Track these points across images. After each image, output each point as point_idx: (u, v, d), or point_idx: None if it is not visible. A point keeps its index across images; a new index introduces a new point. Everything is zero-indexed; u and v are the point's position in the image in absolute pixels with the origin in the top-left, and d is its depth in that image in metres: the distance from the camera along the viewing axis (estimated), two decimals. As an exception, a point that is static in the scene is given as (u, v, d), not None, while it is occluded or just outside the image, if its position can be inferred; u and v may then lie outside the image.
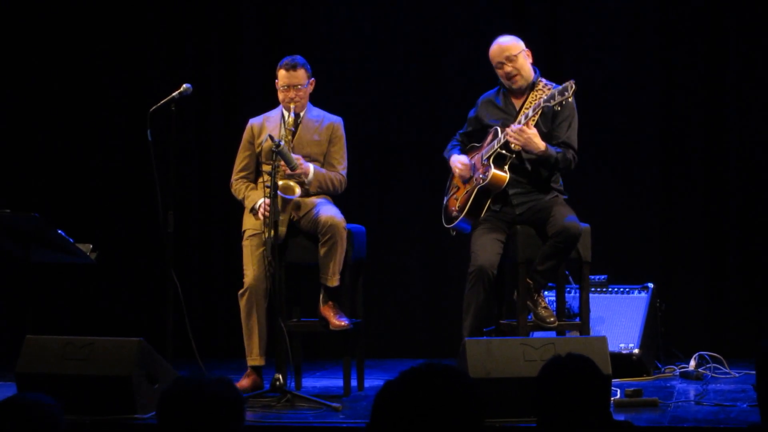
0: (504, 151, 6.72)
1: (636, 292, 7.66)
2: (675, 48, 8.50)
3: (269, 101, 7.17)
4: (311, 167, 6.85)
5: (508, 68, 6.76)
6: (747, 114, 8.39)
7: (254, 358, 6.80)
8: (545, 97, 6.61)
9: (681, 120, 8.50)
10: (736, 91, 8.39)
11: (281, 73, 6.93)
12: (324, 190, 6.92)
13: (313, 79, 6.98)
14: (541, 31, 8.58)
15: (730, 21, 8.40)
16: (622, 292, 7.67)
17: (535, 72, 6.83)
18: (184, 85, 6.76)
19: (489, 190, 6.75)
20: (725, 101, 8.42)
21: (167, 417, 2.99)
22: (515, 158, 6.73)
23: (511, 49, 6.77)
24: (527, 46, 6.86)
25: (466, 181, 6.88)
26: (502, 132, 6.71)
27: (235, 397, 3.01)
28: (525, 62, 6.78)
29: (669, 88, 8.53)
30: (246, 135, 7.05)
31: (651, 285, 7.66)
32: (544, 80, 6.78)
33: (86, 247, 6.86)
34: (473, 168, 6.84)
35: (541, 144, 6.59)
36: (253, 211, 6.85)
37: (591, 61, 8.56)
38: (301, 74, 6.91)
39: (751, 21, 8.37)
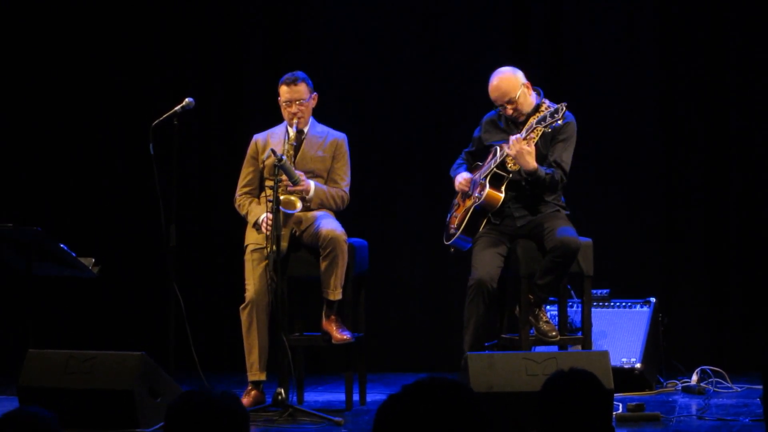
0: (500, 171, 6.73)
1: (638, 306, 7.65)
2: (675, 60, 8.51)
3: (271, 115, 7.18)
4: (312, 184, 6.85)
5: (509, 111, 6.76)
6: (750, 126, 8.40)
7: (254, 373, 6.79)
8: (538, 118, 6.63)
9: (682, 134, 8.51)
10: (738, 102, 8.40)
11: (282, 89, 6.94)
12: (326, 207, 6.93)
13: (315, 93, 6.99)
14: (542, 50, 8.59)
15: (730, 37, 8.41)
16: (624, 307, 7.66)
17: (539, 95, 6.83)
18: (187, 99, 6.76)
19: (484, 209, 6.77)
20: (727, 113, 8.43)
21: (173, 431, 2.99)
22: (515, 174, 6.73)
23: (510, 92, 6.72)
24: (529, 62, 6.86)
25: (466, 197, 6.89)
26: (500, 151, 6.72)
27: (240, 411, 3.02)
28: (525, 98, 6.76)
29: (670, 102, 8.54)
30: (250, 150, 7.06)
31: (653, 299, 7.65)
32: (547, 101, 6.77)
33: (88, 261, 6.87)
34: (473, 184, 6.85)
35: (532, 162, 6.59)
36: (256, 226, 6.86)
37: (592, 74, 8.57)
38: (302, 88, 6.92)
39: (751, 36, 8.38)
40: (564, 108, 6.53)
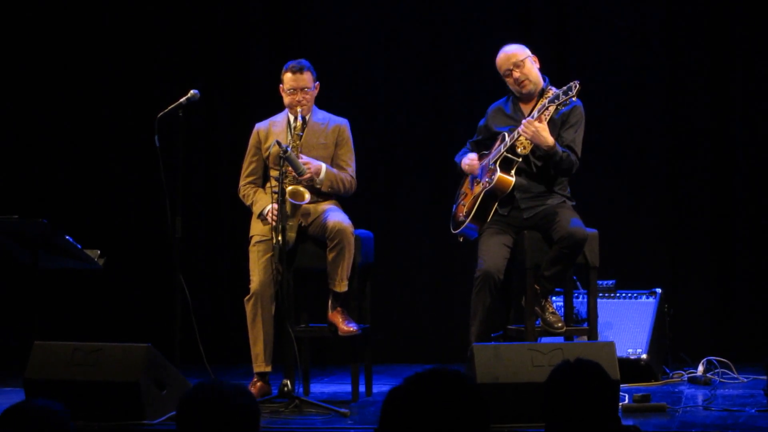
0: (510, 155, 6.74)
1: (644, 297, 7.65)
2: (681, 53, 8.50)
3: (277, 106, 7.17)
4: (323, 166, 6.85)
5: (517, 74, 6.78)
6: (754, 118, 8.39)
7: (260, 364, 6.78)
8: (550, 97, 6.64)
9: (688, 125, 8.49)
10: (742, 95, 8.39)
11: (287, 76, 6.94)
12: (335, 190, 6.92)
13: (318, 83, 6.99)
14: (547, 39, 8.58)
15: (736, 29, 8.40)
16: (630, 297, 7.66)
17: (545, 80, 6.84)
18: (192, 91, 6.76)
19: (495, 194, 6.76)
20: (732, 106, 8.41)
21: (186, 423, 2.99)
22: (522, 162, 6.75)
23: (517, 55, 6.81)
24: (534, 53, 6.88)
25: (474, 184, 6.88)
26: (509, 137, 6.72)
27: (252, 406, 3.02)
28: (532, 68, 6.82)
29: (675, 93, 8.53)
30: (252, 140, 7.06)
31: (659, 290, 7.65)
32: (553, 88, 6.77)
33: (94, 253, 6.87)
34: (482, 170, 6.85)
35: (549, 138, 6.60)
36: (262, 216, 6.86)
37: (598, 66, 8.56)
38: (307, 77, 6.92)
39: (757, 28, 8.36)
40: (577, 86, 6.54)
